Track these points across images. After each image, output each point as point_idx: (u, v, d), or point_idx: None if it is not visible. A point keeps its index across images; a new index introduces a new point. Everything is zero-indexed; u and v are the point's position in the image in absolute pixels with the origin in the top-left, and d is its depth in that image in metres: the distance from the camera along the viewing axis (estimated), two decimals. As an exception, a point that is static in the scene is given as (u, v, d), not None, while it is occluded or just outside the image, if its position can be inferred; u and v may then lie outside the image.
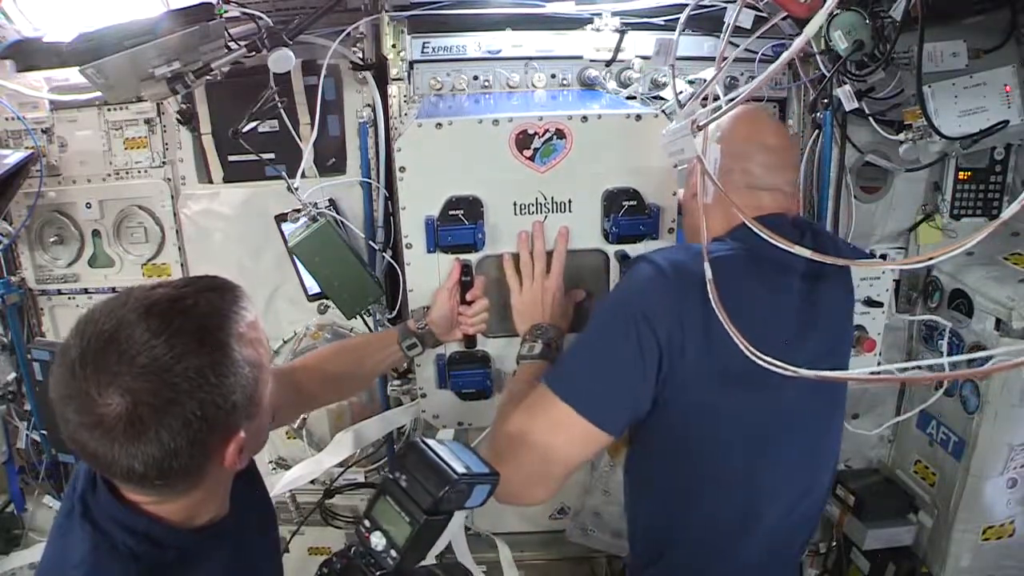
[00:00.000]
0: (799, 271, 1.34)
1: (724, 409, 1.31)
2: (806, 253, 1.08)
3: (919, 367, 1.97)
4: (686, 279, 1.25)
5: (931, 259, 0.94)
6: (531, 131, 1.56)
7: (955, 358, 1.97)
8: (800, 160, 2.01)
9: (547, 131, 1.57)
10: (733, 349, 1.12)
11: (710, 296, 1.16)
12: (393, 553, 1.05)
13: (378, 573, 1.07)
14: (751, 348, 1.09)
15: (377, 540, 1.06)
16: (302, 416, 2.16)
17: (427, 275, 1.66)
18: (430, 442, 1.12)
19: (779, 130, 1.52)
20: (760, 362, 1.08)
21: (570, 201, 1.62)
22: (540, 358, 1.52)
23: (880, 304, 1.93)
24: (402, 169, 1.57)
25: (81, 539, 0.98)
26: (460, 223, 1.59)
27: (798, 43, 0.96)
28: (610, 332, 1.31)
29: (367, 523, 1.08)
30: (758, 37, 1.70)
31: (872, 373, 1.74)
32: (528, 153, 1.57)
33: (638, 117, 1.59)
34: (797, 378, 1.07)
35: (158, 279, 2.17)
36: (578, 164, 1.60)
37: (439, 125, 1.54)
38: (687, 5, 1.61)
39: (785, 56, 1.01)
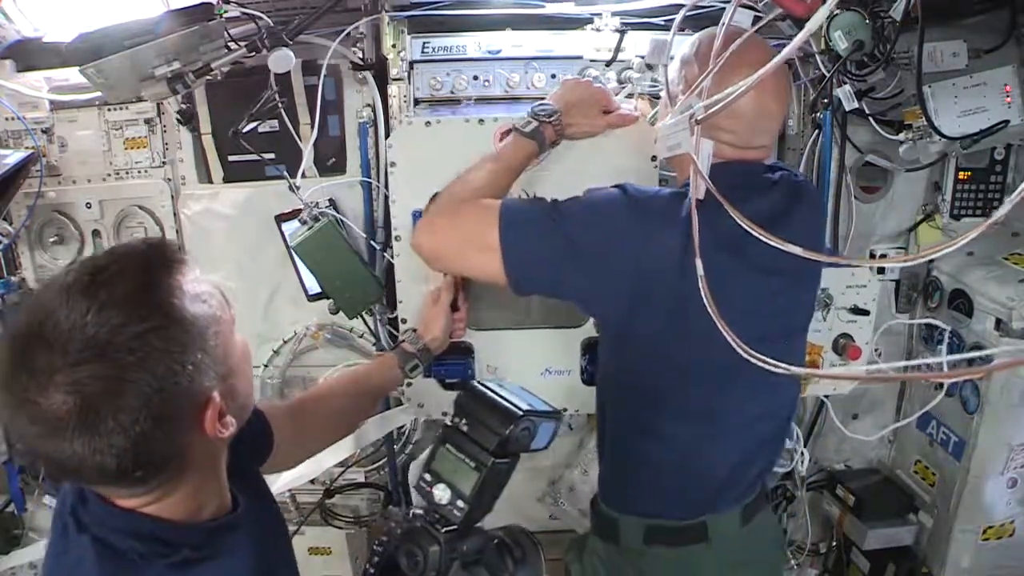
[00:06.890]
0: (772, 207, 1.37)
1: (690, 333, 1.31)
2: (797, 250, 1.03)
3: (918, 366, 1.97)
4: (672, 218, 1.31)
5: (912, 260, 0.93)
6: None
7: (954, 357, 1.97)
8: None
9: None
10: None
11: (701, 289, 1.12)
12: (460, 503, 0.97)
13: (444, 529, 0.98)
14: (738, 341, 1.03)
15: (441, 493, 0.98)
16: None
17: (414, 267, 1.69)
18: (487, 383, 1.05)
19: (777, 89, 1.38)
20: (745, 355, 1.03)
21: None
22: (530, 136, 1.49)
23: (867, 312, 1.93)
24: (392, 164, 1.64)
25: (80, 557, 0.91)
26: None
27: (797, 41, 0.96)
28: (596, 215, 1.37)
29: (428, 476, 1.00)
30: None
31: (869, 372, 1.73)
32: None
33: None
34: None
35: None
36: (560, 162, 1.62)
37: (428, 123, 1.61)
38: (685, 5, 1.61)
39: (784, 54, 1.01)
